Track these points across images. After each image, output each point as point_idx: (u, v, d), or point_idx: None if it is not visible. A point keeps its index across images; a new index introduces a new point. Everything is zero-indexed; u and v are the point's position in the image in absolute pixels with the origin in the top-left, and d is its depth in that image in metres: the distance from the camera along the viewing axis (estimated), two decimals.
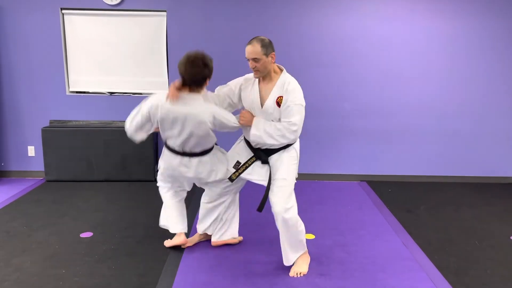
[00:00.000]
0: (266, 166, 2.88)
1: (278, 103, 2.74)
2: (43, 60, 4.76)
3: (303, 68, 4.78)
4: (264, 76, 2.81)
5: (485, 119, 4.98)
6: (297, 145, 2.92)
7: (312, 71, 4.81)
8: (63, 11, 4.72)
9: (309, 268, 2.91)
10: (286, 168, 2.81)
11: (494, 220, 3.90)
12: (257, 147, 2.88)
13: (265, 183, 2.86)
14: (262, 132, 2.74)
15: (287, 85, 2.74)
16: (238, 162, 2.96)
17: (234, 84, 2.99)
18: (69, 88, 4.92)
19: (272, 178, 2.82)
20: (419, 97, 4.91)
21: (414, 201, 4.37)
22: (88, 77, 4.90)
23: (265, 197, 2.82)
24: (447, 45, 4.80)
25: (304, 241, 2.89)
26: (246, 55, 2.72)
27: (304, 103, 2.76)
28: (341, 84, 4.86)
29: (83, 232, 3.46)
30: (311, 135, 4.90)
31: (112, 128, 4.79)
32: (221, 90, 3.01)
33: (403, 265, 3.00)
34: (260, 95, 2.83)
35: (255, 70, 2.75)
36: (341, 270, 2.92)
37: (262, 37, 2.74)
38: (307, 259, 2.94)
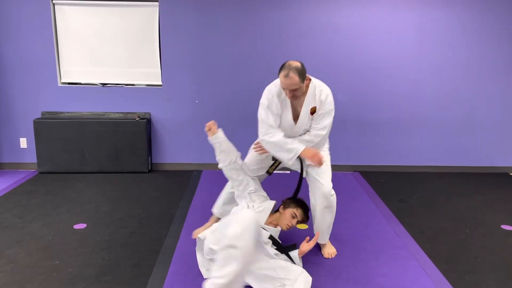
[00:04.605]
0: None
1: (311, 112, 2.81)
2: (34, 51, 4.72)
3: (296, 59, 4.76)
4: None
5: (477, 109, 5.01)
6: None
7: (305, 63, 4.79)
8: (54, 1, 4.67)
9: (301, 257, 2.95)
10: (324, 154, 2.94)
11: (486, 209, 3.94)
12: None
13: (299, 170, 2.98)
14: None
15: (319, 94, 2.77)
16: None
17: (274, 107, 2.81)
18: (61, 79, 4.88)
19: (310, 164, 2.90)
20: (411, 88, 4.93)
21: (407, 191, 4.41)
22: (80, 68, 4.87)
23: (299, 184, 2.97)
24: (439, 36, 4.81)
25: None
26: (283, 86, 2.65)
27: (333, 106, 2.84)
28: (334, 76, 4.86)
29: (76, 223, 3.45)
30: None
31: (105, 119, 4.77)
32: (273, 121, 2.81)
33: (395, 254, 3.03)
34: (292, 111, 2.85)
35: (293, 96, 2.70)
36: (333, 259, 2.95)
37: (295, 64, 2.63)
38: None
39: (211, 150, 5.03)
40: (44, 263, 2.81)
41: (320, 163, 2.79)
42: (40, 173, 4.79)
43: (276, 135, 2.79)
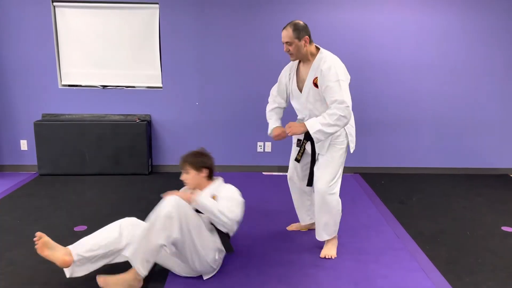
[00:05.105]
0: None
1: (316, 84, 2.78)
2: (35, 53, 4.73)
3: None
4: (302, 60, 2.88)
5: (477, 110, 5.02)
6: (347, 129, 2.91)
7: None
8: (54, 4, 4.68)
9: (302, 259, 2.96)
10: (330, 149, 2.89)
11: (485, 211, 3.94)
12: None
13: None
14: (320, 126, 2.69)
15: (322, 64, 2.75)
16: (298, 139, 3.03)
17: (283, 76, 3.05)
18: (61, 81, 4.89)
19: (320, 155, 2.93)
20: (411, 89, 4.94)
21: (407, 192, 4.41)
22: (81, 70, 4.87)
23: (311, 173, 3.00)
24: (438, 37, 4.81)
25: (337, 226, 3.02)
26: (282, 39, 2.80)
27: (345, 78, 2.74)
28: None
29: (77, 225, 3.46)
30: None
31: (105, 121, 4.77)
32: (275, 89, 3.12)
33: (396, 255, 3.03)
34: (298, 79, 2.91)
35: (289, 54, 2.83)
36: (334, 261, 2.94)
37: (297, 21, 2.77)
38: (335, 243, 3.07)
39: (211, 151, 5.04)
40: (44, 266, 2.80)
41: (289, 132, 2.82)
42: (40, 175, 4.79)
43: (270, 106, 3.13)
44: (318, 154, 2.95)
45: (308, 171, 3.10)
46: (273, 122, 3.07)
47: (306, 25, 2.77)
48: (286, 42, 2.76)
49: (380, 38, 4.80)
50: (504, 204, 4.13)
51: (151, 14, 4.75)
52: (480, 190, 4.54)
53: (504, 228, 3.55)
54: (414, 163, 5.14)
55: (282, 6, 4.69)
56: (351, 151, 2.98)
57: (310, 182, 3.05)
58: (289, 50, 2.78)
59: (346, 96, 2.68)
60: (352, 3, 4.71)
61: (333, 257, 2.98)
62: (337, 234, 3.09)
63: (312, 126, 2.71)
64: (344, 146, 2.92)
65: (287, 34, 2.73)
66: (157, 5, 4.70)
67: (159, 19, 4.74)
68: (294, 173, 3.20)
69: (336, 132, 2.75)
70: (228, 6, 4.69)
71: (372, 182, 4.74)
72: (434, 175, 5.04)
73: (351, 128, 2.95)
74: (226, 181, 3.14)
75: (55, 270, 2.75)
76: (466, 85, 4.95)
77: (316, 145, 2.92)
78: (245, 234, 3.34)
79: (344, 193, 4.33)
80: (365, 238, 3.32)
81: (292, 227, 3.45)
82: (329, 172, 2.88)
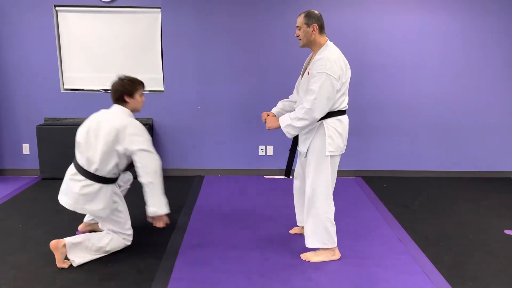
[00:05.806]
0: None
1: (309, 73, 2.85)
2: (37, 57, 4.74)
3: (297, 65, 4.78)
4: (311, 48, 2.93)
5: (480, 113, 5.01)
6: (328, 130, 2.81)
7: None
8: (57, 8, 4.70)
9: (304, 262, 2.95)
10: (314, 152, 2.87)
11: (489, 214, 3.93)
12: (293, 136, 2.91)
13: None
14: (289, 121, 2.79)
15: (318, 55, 2.80)
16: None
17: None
18: (63, 85, 4.90)
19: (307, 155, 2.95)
20: (413, 93, 4.93)
21: (409, 196, 4.40)
22: (83, 74, 4.89)
23: (289, 163, 3.10)
24: (439, 40, 4.82)
25: (333, 237, 2.95)
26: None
27: (335, 74, 2.68)
28: None
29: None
30: None
31: None
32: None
33: (398, 260, 3.02)
34: (305, 68, 2.99)
35: (298, 39, 2.90)
36: (336, 265, 2.94)
37: (313, 10, 2.86)
38: (329, 255, 3.00)
39: (213, 155, 5.07)
40: (46, 269, 2.81)
41: (267, 127, 2.95)
42: (42, 179, 4.79)
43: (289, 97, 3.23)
44: (305, 153, 2.97)
45: None
46: (273, 109, 3.25)
47: (320, 15, 2.85)
48: (297, 27, 2.86)
49: (382, 42, 4.80)
50: (507, 207, 4.12)
51: (153, 18, 4.76)
52: (483, 193, 4.53)
53: (507, 232, 3.54)
54: (417, 167, 5.13)
55: (285, 8, 4.70)
56: (327, 153, 2.82)
57: (287, 172, 3.13)
58: (298, 35, 2.87)
59: (320, 90, 2.66)
60: (350, 5, 4.72)
61: (310, 261, 2.96)
62: (338, 237, 3.08)
63: (283, 120, 2.85)
64: (330, 144, 2.83)
65: (299, 19, 2.85)
66: (159, 9, 4.72)
67: (161, 23, 4.76)
68: (300, 172, 3.21)
69: (306, 126, 2.77)
70: (230, 10, 4.70)
71: (374, 185, 4.74)
72: (437, 179, 5.03)
73: (332, 131, 2.81)
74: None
75: (57, 274, 2.76)
76: (468, 88, 4.95)
77: (299, 142, 3.02)
78: (247, 238, 3.33)
79: (346, 197, 4.34)
80: (367, 241, 3.32)
81: (294, 230, 3.45)
82: (315, 176, 2.88)
